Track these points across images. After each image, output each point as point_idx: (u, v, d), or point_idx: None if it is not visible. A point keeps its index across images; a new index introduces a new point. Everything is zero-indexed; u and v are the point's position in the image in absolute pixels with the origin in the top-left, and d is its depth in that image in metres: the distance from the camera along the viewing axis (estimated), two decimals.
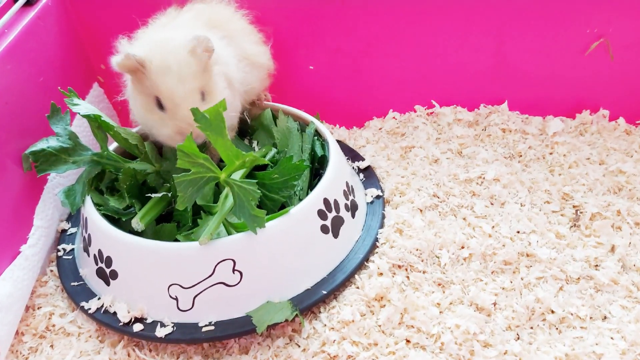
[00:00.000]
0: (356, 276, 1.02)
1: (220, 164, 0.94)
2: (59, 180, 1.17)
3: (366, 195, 1.17)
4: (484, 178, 1.20)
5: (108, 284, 1.00)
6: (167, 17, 1.13)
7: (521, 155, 1.27)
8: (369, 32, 1.31)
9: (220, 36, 1.11)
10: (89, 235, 1.02)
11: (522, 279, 1.01)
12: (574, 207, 1.14)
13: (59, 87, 1.08)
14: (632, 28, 1.24)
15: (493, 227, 1.10)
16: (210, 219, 0.98)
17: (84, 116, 1.04)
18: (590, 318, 0.95)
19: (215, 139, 0.88)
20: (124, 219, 1.03)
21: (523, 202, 1.15)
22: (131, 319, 0.96)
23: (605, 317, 0.95)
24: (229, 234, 0.98)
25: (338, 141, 1.29)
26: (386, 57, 1.34)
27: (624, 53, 1.28)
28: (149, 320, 0.96)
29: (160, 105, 0.98)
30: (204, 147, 1.02)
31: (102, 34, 1.27)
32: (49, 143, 1.08)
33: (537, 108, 1.36)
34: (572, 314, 0.95)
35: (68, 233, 1.16)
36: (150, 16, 1.15)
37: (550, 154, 1.27)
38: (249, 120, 1.21)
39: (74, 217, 1.18)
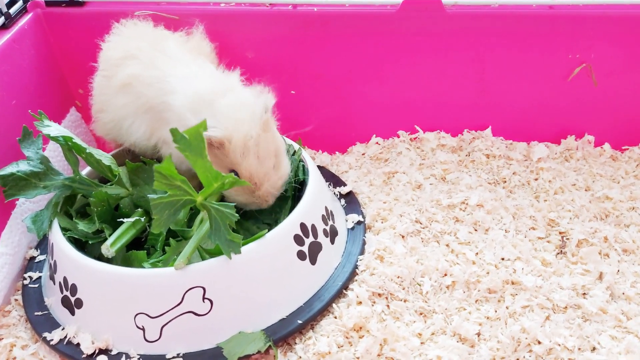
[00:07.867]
0: (334, 305, 0.98)
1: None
2: (28, 206, 1.13)
3: (347, 221, 1.13)
4: (467, 204, 1.17)
5: (73, 313, 0.95)
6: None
7: (505, 181, 1.24)
8: (351, 57, 1.30)
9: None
10: (55, 261, 0.98)
11: (507, 307, 0.97)
12: (560, 233, 1.10)
13: (29, 110, 1.06)
14: (613, 54, 1.24)
15: (477, 253, 1.06)
16: (182, 244, 0.94)
17: (53, 138, 1.01)
18: (579, 349, 0.91)
19: (194, 160, 0.85)
20: (91, 242, 0.99)
21: (507, 228, 1.11)
22: (95, 351, 0.91)
23: (594, 348, 0.91)
24: (203, 259, 0.94)
25: (320, 167, 1.27)
26: (369, 82, 1.33)
27: (607, 79, 1.27)
28: (114, 352, 0.91)
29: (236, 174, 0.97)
30: None
31: (80, 57, 1.25)
32: (19, 167, 1.04)
33: (521, 134, 1.34)
34: (559, 345, 0.91)
35: (36, 260, 1.11)
36: None
37: (535, 179, 1.24)
38: None
39: (44, 245, 1.14)
